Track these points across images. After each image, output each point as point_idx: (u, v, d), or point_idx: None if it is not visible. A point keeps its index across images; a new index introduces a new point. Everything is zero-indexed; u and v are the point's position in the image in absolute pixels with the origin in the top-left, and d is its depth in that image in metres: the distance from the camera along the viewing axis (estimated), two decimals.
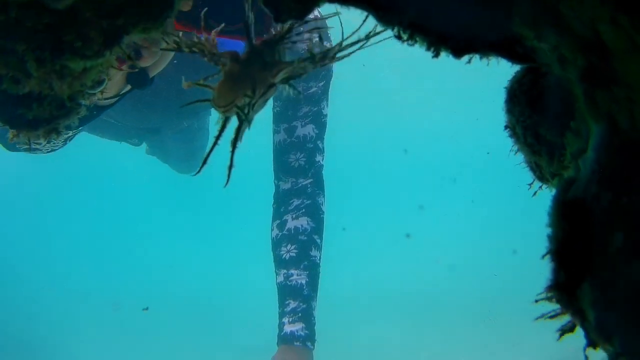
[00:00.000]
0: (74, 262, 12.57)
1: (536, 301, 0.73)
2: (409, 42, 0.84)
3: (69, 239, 14.28)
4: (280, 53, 1.06)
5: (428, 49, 0.85)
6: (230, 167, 0.94)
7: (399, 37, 0.83)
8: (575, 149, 0.79)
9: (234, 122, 1.05)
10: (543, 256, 0.71)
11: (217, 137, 0.96)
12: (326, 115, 2.96)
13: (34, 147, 2.46)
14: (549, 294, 0.71)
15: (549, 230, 0.73)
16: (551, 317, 0.75)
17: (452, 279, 9.92)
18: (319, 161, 2.93)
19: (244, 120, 0.97)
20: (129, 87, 1.88)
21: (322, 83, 2.89)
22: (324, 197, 2.97)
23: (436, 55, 0.85)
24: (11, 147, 2.71)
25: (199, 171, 0.98)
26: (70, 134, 2.52)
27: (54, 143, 2.57)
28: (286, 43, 1.04)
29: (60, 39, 0.88)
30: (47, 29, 0.86)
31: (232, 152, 0.95)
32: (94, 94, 1.04)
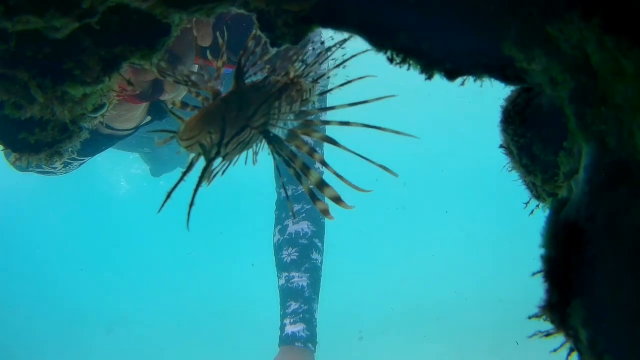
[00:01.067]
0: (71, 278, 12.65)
1: (529, 317, 0.74)
2: (402, 65, 0.85)
3: (67, 253, 14.34)
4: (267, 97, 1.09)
5: (421, 72, 0.86)
6: (191, 205, 0.96)
7: (391, 61, 0.84)
8: (568, 169, 0.79)
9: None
10: (534, 274, 0.71)
11: (183, 174, 0.99)
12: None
13: (49, 171, 2.54)
14: (543, 314, 0.71)
15: (542, 251, 0.73)
16: (546, 335, 0.75)
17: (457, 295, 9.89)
18: (318, 168, 2.96)
19: (208, 159, 0.99)
20: (149, 118, 1.93)
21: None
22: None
23: (429, 77, 0.86)
24: (24, 169, 2.75)
25: (161, 208, 0.98)
26: (86, 160, 2.57)
27: (70, 168, 2.63)
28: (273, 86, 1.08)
29: (60, 67, 0.90)
30: (47, 57, 0.88)
31: (195, 190, 0.97)
32: (95, 117, 1.06)
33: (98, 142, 2.35)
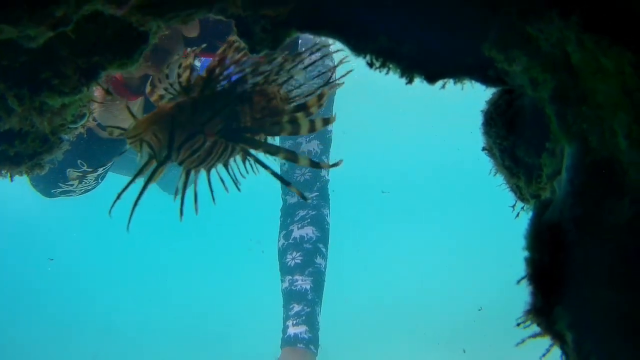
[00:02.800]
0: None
1: (518, 324, 0.72)
2: (381, 69, 0.84)
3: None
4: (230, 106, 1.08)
5: (401, 75, 0.85)
6: (134, 206, 0.95)
7: (371, 65, 0.84)
8: (551, 170, 0.78)
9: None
10: (519, 281, 0.70)
11: (133, 177, 0.98)
12: (331, 131, 3.02)
13: (68, 189, 2.57)
14: (528, 318, 0.70)
15: (526, 254, 0.72)
16: (533, 336, 0.74)
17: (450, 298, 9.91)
18: (324, 176, 3.01)
19: (158, 161, 0.98)
20: None
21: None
22: (329, 209, 3.03)
23: (410, 81, 0.85)
24: (48, 194, 2.77)
25: (111, 209, 0.98)
26: (101, 172, 2.58)
27: (86, 183, 2.65)
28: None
29: (38, 77, 0.89)
30: (24, 67, 0.87)
31: (140, 192, 0.96)
32: (76, 128, 1.05)
33: (102, 148, 2.36)
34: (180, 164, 1.08)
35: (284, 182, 1.09)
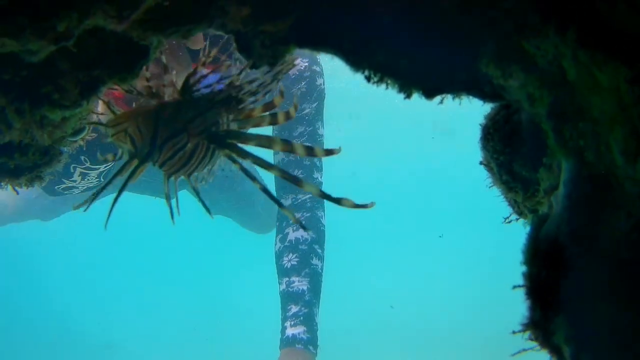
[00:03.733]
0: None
1: (514, 333, 0.72)
2: (379, 84, 0.85)
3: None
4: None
5: (400, 91, 0.86)
6: (111, 210, 0.96)
7: (369, 80, 0.84)
8: (548, 185, 0.79)
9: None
10: (514, 287, 0.70)
11: (113, 176, 0.99)
12: (322, 135, 3.05)
13: (71, 185, 2.67)
14: (526, 331, 0.70)
15: (523, 268, 0.72)
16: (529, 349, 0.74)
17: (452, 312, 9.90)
18: (317, 178, 3.02)
19: (140, 158, 0.98)
20: None
21: (315, 104, 2.99)
22: (323, 211, 3.04)
23: (408, 96, 0.86)
24: (51, 191, 2.84)
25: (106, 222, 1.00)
26: (103, 169, 2.64)
27: (88, 180, 2.73)
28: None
29: (38, 91, 0.89)
30: (25, 81, 0.88)
31: (117, 195, 0.97)
32: (75, 140, 1.06)
33: (103, 145, 2.40)
34: (161, 166, 1.08)
35: (275, 200, 1.10)
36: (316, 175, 3.00)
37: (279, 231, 3.01)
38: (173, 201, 1.14)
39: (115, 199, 1.00)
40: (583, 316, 0.64)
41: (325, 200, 3.23)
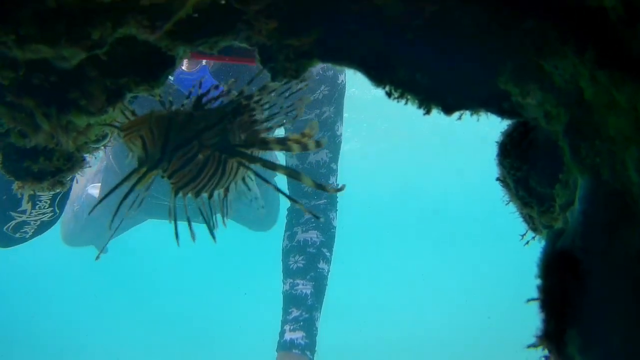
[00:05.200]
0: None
1: (527, 347, 0.74)
2: (400, 100, 0.87)
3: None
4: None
5: (419, 106, 0.88)
6: (114, 217, 0.96)
7: (389, 95, 0.86)
8: (563, 201, 0.80)
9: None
10: (528, 300, 0.71)
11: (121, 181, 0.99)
12: (340, 135, 3.02)
13: (21, 219, 2.23)
14: (540, 343, 0.71)
15: (538, 281, 0.74)
16: None
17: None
18: (332, 182, 2.99)
19: (150, 164, 0.98)
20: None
21: (333, 107, 2.95)
22: (335, 212, 3.03)
23: (427, 112, 0.88)
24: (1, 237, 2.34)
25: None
26: (57, 193, 2.37)
27: (40, 208, 2.23)
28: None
29: (66, 97, 0.92)
30: (53, 86, 0.90)
31: (123, 199, 0.97)
32: (97, 147, 1.08)
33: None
34: (169, 177, 1.07)
35: (289, 198, 1.10)
36: (332, 179, 2.98)
37: (287, 228, 3.00)
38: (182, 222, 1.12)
39: (121, 203, 0.99)
40: (597, 329, 0.66)
41: (338, 202, 3.19)
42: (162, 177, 1.08)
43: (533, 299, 0.72)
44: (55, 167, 1.04)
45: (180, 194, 1.09)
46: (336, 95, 2.94)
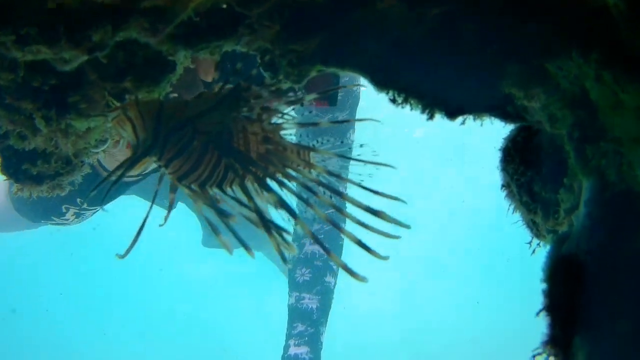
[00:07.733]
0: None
1: (534, 357, 0.72)
2: (404, 105, 0.86)
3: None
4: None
5: (423, 111, 0.88)
6: (103, 201, 0.94)
7: (393, 101, 0.86)
8: (568, 205, 0.79)
9: None
10: (538, 312, 0.70)
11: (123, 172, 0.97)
12: (352, 142, 2.98)
13: (59, 222, 2.61)
14: (546, 349, 0.70)
15: (543, 286, 0.73)
16: None
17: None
18: (341, 190, 2.93)
19: (142, 150, 0.95)
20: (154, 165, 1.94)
21: (347, 112, 2.93)
22: (344, 222, 2.96)
23: (431, 117, 0.88)
24: (35, 219, 2.79)
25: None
26: (97, 209, 2.59)
27: (82, 218, 2.67)
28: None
29: (66, 100, 0.91)
30: (53, 89, 0.90)
31: (112, 186, 0.94)
32: (97, 152, 1.07)
33: (102, 189, 2.35)
34: (165, 166, 1.01)
35: (291, 213, 1.04)
36: (341, 189, 2.99)
37: (296, 237, 2.94)
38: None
39: (108, 190, 0.97)
40: (603, 332, 0.64)
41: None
42: (158, 164, 1.02)
43: (540, 310, 0.70)
44: (54, 171, 1.03)
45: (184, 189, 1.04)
46: (350, 101, 2.93)
